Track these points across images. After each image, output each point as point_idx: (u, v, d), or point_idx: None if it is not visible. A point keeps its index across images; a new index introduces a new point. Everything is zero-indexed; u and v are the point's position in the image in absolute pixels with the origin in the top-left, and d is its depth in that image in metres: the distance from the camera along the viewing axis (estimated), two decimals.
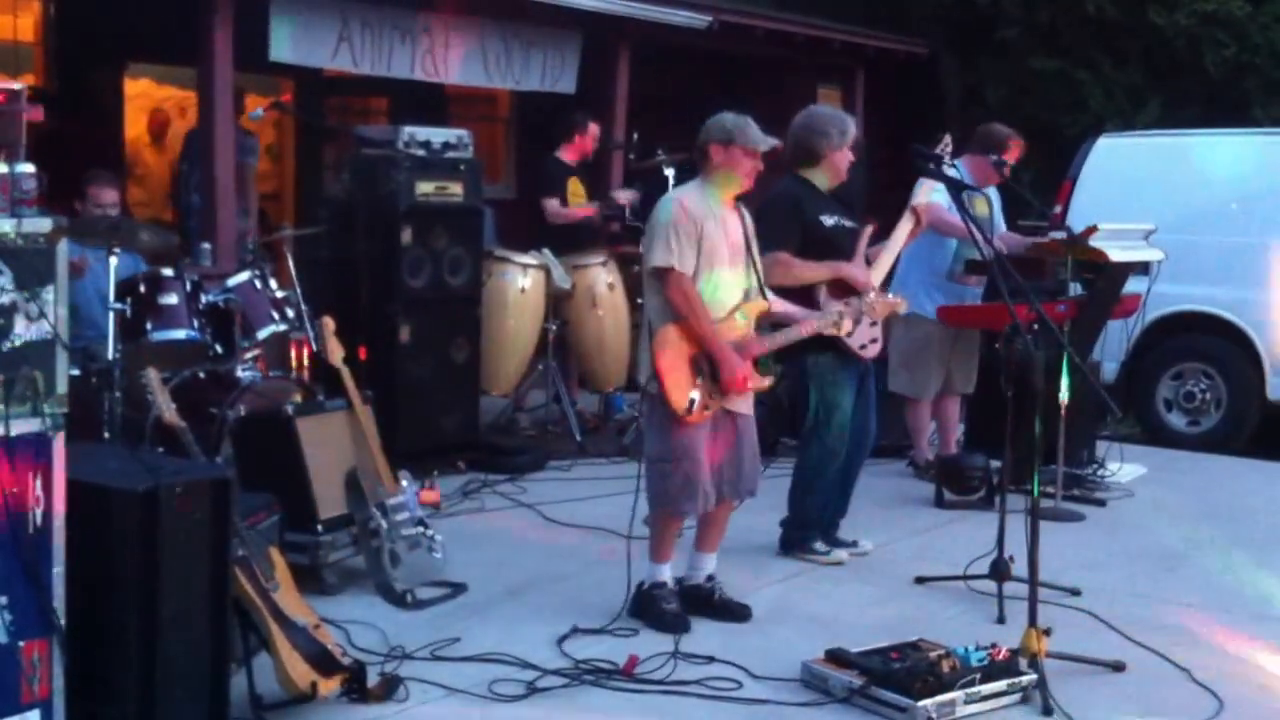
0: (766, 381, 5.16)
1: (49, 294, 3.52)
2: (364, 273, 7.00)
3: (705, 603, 5.19)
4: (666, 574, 5.16)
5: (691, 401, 4.93)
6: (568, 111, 9.01)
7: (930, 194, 5.97)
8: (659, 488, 5.06)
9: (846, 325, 5.48)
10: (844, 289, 5.69)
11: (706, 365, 4.97)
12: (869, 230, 5.95)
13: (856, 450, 5.99)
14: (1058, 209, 9.33)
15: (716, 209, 5.07)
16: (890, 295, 5.78)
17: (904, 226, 5.94)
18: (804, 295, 5.60)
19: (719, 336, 4.97)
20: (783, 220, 5.69)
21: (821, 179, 5.87)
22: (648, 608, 5.09)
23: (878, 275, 5.84)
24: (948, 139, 5.97)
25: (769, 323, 5.34)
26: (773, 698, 4.42)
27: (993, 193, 7.46)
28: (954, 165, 5.78)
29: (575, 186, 8.65)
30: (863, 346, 5.77)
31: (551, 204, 8.47)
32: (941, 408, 7.56)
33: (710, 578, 5.26)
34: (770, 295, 5.27)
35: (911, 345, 7.39)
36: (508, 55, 9.84)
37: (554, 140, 8.76)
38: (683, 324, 4.94)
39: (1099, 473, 7.59)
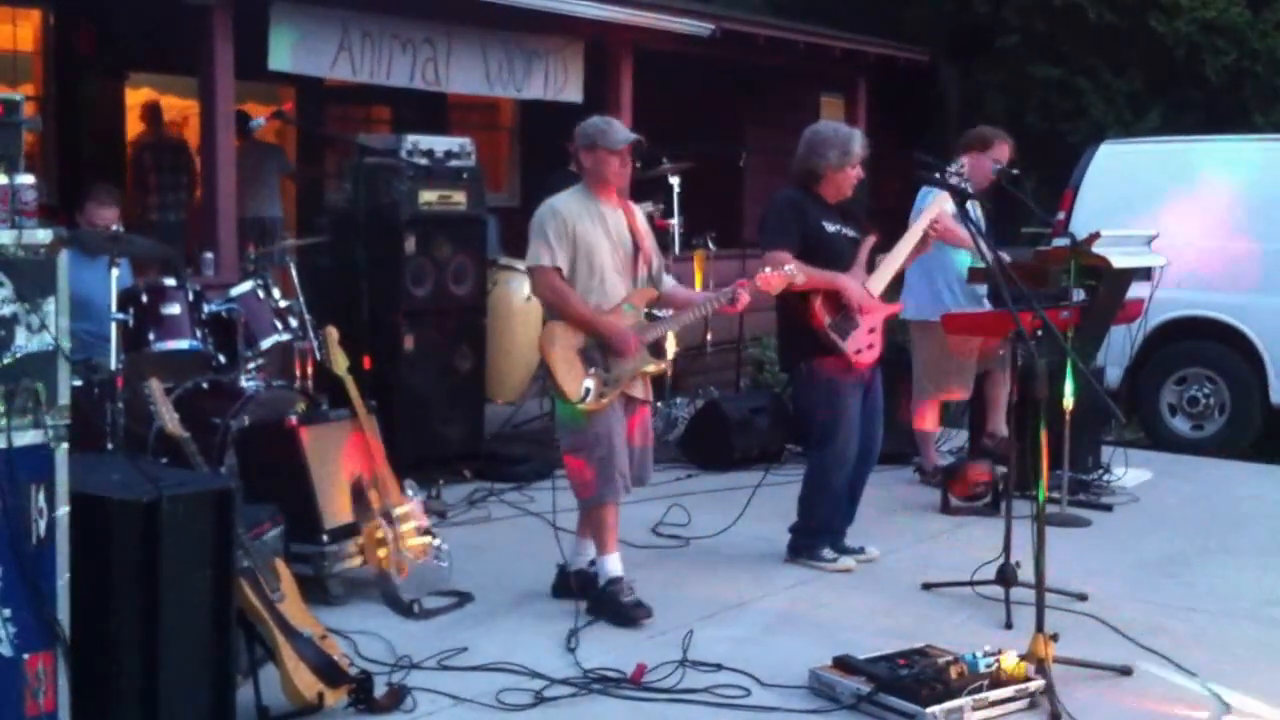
0: (662, 365, 5.41)
1: (50, 305, 3.50)
2: (367, 282, 6.98)
3: (589, 586, 5.24)
4: (618, 566, 5.23)
5: (586, 390, 5.06)
6: (573, 124, 8.98)
7: (945, 203, 5.89)
8: (578, 480, 5.20)
9: (743, 301, 5.33)
10: (836, 302, 5.71)
11: (599, 355, 5.11)
12: (870, 241, 5.94)
13: (863, 457, 5.97)
14: (1060, 216, 9.33)
15: (595, 208, 5.24)
16: (787, 269, 5.30)
17: (911, 238, 5.92)
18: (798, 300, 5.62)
19: (599, 315, 5.12)
20: (782, 220, 5.76)
21: (825, 192, 5.88)
22: (606, 605, 5.16)
23: (879, 284, 5.84)
24: (964, 162, 6.02)
25: (672, 308, 5.56)
26: (781, 705, 4.41)
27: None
28: (966, 181, 5.76)
29: None
30: (858, 351, 5.77)
31: None
32: (991, 386, 7.52)
33: (592, 562, 5.32)
34: (670, 282, 5.44)
35: (931, 351, 7.39)
36: (509, 64, 9.82)
37: (563, 154, 8.72)
38: (565, 318, 5.12)
39: (1104, 478, 7.57)
